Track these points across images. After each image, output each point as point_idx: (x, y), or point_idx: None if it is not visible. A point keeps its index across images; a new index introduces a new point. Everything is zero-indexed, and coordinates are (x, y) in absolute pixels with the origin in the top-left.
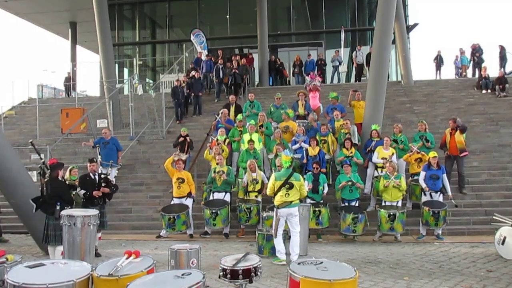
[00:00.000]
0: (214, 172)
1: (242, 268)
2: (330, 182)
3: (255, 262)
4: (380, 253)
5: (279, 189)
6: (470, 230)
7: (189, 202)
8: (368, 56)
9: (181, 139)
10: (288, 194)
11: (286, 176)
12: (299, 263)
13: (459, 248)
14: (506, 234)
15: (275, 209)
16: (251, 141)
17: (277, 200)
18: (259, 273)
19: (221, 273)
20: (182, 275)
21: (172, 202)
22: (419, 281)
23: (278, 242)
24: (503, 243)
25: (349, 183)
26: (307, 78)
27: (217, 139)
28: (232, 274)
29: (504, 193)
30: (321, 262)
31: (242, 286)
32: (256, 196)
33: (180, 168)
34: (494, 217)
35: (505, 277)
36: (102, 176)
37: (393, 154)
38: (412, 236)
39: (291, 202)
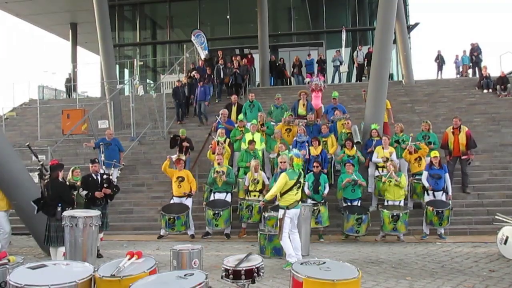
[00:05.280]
0: (215, 172)
1: (244, 268)
2: (332, 182)
3: (257, 262)
4: (382, 253)
5: (290, 189)
6: (472, 229)
7: (189, 202)
8: (367, 55)
9: (178, 139)
10: (298, 193)
11: (298, 175)
12: (301, 263)
13: (461, 248)
14: (508, 234)
15: (283, 210)
16: (252, 141)
17: (288, 200)
18: (261, 273)
19: (224, 274)
20: (185, 275)
21: (172, 201)
22: (421, 281)
23: (287, 246)
24: (505, 242)
25: (352, 182)
26: (307, 79)
27: (217, 140)
28: (235, 274)
29: (506, 192)
30: (324, 262)
31: (244, 286)
32: (258, 196)
33: (181, 167)
34: (496, 217)
35: (508, 277)
36: (104, 176)
37: (392, 153)
38: (414, 236)
39: (299, 201)
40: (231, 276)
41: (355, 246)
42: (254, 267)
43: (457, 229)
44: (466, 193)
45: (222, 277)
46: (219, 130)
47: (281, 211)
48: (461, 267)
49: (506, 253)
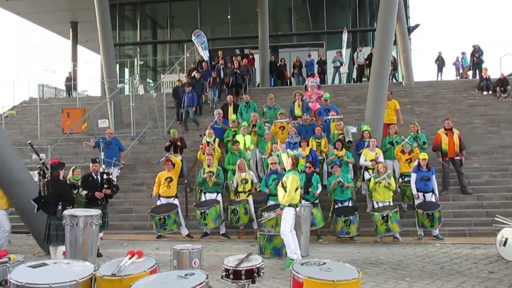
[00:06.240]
0: (204, 173)
1: (244, 268)
2: (325, 183)
3: (258, 263)
4: (382, 254)
5: (297, 188)
6: (471, 231)
7: (177, 202)
8: (369, 56)
9: (168, 144)
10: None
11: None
12: (302, 264)
13: (461, 249)
14: (508, 236)
15: (293, 208)
16: (236, 141)
17: (298, 198)
18: (261, 274)
19: (224, 274)
20: (185, 275)
21: (158, 202)
22: (420, 282)
23: (290, 241)
24: (504, 244)
25: (339, 183)
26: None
27: (207, 141)
28: (235, 274)
29: (505, 194)
30: (324, 263)
31: (244, 286)
32: (247, 196)
33: (169, 168)
34: (496, 219)
35: (507, 278)
36: (105, 176)
37: (378, 154)
38: (413, 237)
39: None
40: (231, 276)
41: (354, 247)
42: (254, 267)
43: (456, 230)
44: (467, 193)
45: (222, 277)
46: (207, 131)
47: (290, 210)
48: (461, 268)
49: (505, 255)
